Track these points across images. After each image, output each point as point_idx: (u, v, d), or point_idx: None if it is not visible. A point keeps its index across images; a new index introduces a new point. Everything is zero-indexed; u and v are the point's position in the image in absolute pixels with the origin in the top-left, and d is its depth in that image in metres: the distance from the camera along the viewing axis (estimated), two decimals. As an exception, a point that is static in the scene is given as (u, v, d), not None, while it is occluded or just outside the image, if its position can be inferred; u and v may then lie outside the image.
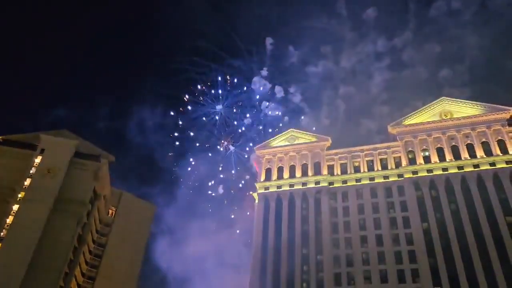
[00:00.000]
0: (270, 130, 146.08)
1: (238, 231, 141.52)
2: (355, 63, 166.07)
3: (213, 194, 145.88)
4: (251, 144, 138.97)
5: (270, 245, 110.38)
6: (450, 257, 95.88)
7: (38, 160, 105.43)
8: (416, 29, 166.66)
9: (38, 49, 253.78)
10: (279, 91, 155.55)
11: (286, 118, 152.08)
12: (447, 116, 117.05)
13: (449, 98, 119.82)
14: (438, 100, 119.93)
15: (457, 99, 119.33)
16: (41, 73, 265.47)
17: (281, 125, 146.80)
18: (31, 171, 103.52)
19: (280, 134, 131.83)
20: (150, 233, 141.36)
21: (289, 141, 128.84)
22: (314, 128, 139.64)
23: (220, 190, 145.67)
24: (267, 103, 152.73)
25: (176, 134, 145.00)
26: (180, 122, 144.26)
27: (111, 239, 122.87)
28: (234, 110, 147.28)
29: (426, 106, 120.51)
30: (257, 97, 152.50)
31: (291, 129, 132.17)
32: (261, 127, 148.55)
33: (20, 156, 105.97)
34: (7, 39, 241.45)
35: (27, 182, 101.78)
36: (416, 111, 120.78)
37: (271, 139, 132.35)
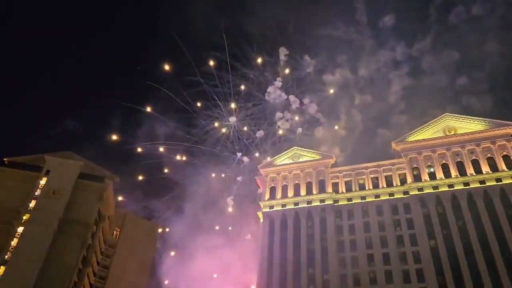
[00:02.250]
0: (284, 143, 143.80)
1: (247, 248, 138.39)
2: (373, 72, 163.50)
3: (223, 209, 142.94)
4: (268, 158, 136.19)
5: (275, 264, 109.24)
6: (458, 275, 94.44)
7: (43, 181, 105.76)
8: (436, 36, 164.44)
9: (44, 61, 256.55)
10: (294, 102, 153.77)
11: (299, 129, 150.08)
12: (451, 132, 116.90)
13: (452, 114, 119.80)
14: (441, 116, 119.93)
15: (460, 115, 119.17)
16: (49, 85, 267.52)
17: (297, 136, 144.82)
18: (36, 193, 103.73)
19: (284, 152, 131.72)
20: (155, 253, 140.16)
21: (293, 159, 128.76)
22: (329, 139, 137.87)
23: (230, 205, 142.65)
24: (282, 114, 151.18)
25: (187, 146, 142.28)
26: (192, 135, 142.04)
27: (115, 260, 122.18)
28: (248, 122, 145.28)
29: (430, 122, 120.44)
30: (272, 108, 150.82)
31: (295, 147, 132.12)
32: (275, 139, 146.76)
33: (25, 178, 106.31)
34: (15, 48, 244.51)
35: (32, 204, 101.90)
36: (420, 127, 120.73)
37: (275, 157, 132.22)
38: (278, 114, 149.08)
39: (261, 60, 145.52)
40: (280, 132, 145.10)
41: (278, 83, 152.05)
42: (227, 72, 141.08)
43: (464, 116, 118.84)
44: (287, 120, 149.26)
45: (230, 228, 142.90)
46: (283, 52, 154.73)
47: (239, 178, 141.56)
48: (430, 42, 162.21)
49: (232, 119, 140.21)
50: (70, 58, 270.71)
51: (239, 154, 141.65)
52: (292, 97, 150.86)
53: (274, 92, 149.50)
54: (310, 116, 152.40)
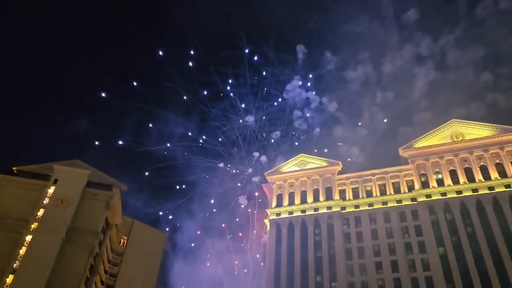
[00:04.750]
0: (302, 143, 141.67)
1: (255, 254, 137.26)
2: (396, 68, 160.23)
3: (234, 214, 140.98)
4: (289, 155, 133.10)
5: (283, 272, 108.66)
6: (468, 282, 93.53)
7: (51, 190, 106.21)
8: (462, 30, 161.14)
9: (56, 64, 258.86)
10: (314, 100, 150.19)
11: (317, 129, 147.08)
12: (458, 138, 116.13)
13: (459, 120, 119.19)
14: (448, 122, 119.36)
15: (468, 121, 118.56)
16: (59, 87, 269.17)
17: (315, 135, 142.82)
18: (44, 202, 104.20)
19: (291, 159, 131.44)
20: (162, 261, 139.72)
21: (299, 166, 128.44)
22: (348, 139, 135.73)
23: (243, 205, 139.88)
24: (300, 113, 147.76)
25: (202, 147, 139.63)
26: (209, 136, 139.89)
27: (122, 269, 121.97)
28: (266, 122, 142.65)
29: (436, 128, 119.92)
30: (291, 107, 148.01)
31: (301, 154, 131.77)
32: (293, 140, 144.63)
33: (33, 187, 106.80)
34: (29, 47, 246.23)
35: (40, 212, 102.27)
36: (426, 133, 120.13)
37: (282, 164, 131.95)
38: (297, 113, 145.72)
39: (279, 58, 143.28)
40: (297, 132, 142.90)
41: (297, 81, 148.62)
42: (244, 70, 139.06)
43: (471, 121, 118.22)
44: (305, 120, 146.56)
45: (239, 233, 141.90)
46: (302, 51, 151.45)
47: (255, 179, 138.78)
48: (456, 37, 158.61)
49: (250, 119, 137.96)
50: (79, 59, 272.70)
51: (256, 154, 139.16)
52: (311, 95, 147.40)
53: (293, 90, 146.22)
54: (330, 114, 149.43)
